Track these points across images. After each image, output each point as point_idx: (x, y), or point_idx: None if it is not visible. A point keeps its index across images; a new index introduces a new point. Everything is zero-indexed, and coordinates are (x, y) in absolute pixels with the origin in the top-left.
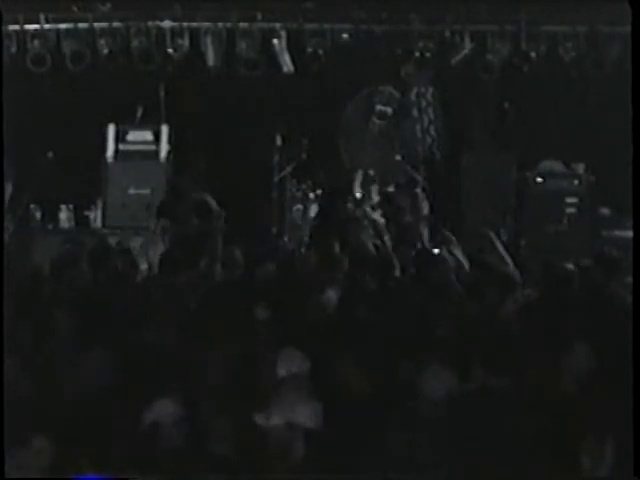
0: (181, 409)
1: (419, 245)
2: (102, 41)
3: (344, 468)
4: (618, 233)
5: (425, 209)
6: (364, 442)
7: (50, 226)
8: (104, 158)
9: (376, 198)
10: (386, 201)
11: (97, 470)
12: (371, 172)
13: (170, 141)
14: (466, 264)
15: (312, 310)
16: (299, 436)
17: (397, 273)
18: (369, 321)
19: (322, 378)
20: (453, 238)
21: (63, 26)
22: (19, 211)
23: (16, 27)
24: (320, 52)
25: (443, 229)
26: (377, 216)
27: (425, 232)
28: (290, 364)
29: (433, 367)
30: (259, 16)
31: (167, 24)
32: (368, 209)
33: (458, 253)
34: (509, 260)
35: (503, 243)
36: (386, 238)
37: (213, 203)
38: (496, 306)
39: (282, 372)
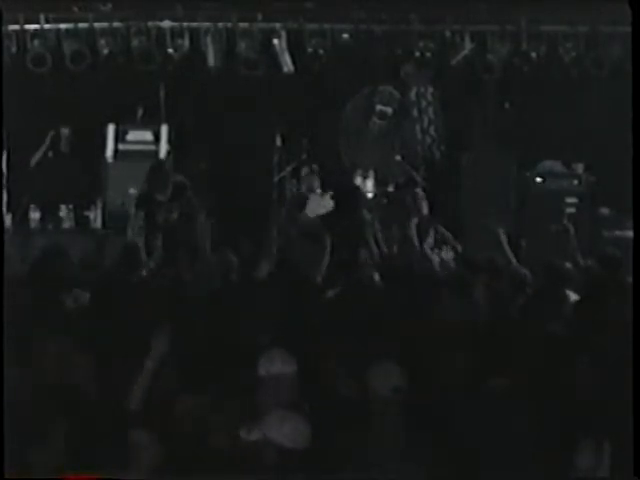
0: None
1: (418, 245)
2: (102, 41)
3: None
4: (618, 233)
5: (425, 209)
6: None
7: (50, 226)
8: (104, 158)
9: (376, 198)
10: (386, 201)
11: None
12: (371, 172)
13: (170, 141)
14: (464, 263)
15: (312, 310)
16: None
17: (396, 273)
18: (368, 321)
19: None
20: (449, 235)
21: (63, 26)
22: (19, 211)
23: (16, 27)
24: (320, 52)
25: (440, 228)
26: (376, 216)
27: (424, 232)
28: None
29: (433, 367)
30: (259, 16)
31: (167, 24)
32: (367, 208)
33: (451, 253)
34: (513, 258)
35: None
36: (386, 237)
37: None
38: (495, 306)
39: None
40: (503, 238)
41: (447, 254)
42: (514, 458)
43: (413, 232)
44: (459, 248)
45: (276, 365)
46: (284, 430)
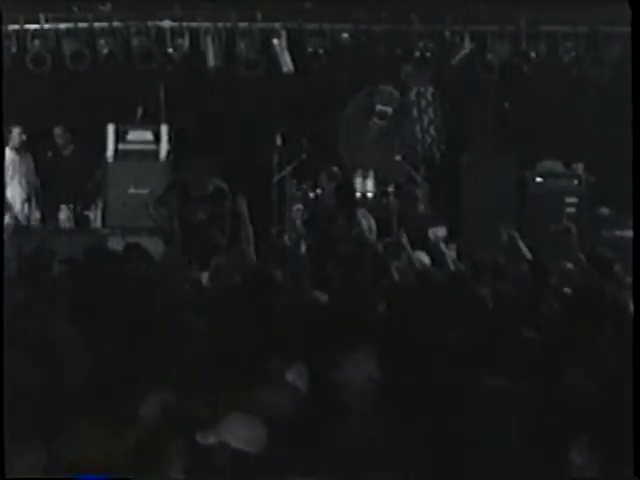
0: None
1: (417, 244)
2: (102, 41)
3: None
4: (618, 233)
5: (425, 209)
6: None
7: (50, 226)
8: (104, 158)
9: (376, 198)
10: (386, 201)
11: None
12: (371, 172)
13: (170, 141)
14: (463, 263)
15: (310, 310)
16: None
17: (396, 272)
18: (367, 321)
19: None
20: (441, 236)
21: (63, 26)
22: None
23: (16, 27)
24: (320, 52)
25: (433, 230)
26: (376, 216)
27: (424, 231)
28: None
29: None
30: (259, 16)
31: (167, 24)
32: (367, 209)
33: (452, 253)
34: (530, 256)
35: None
36: (386, 237)
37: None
38: (495, 305)
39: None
40: (518, 240)
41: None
42: (512, 458)
43: (403, 234)
44: (453, 253)
45: (302, 379)
46: (241, 434)
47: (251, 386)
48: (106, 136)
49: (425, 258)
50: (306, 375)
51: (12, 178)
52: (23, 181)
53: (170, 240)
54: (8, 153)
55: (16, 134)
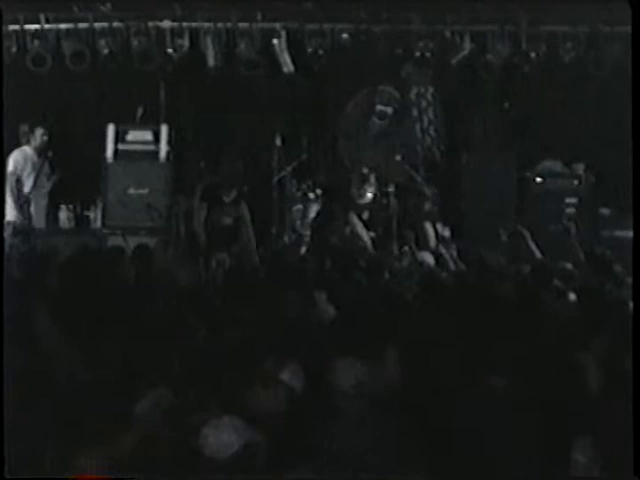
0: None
1: (419, 245)
2: (102, 41)
3: None
4: (618, 233)
5: (425, 209)
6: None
7: (50, 226)
8: (104, 158)
9: (376, 198)
10: (386, 201)
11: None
12: (371, 172)
13: (170, 141)
14: (464, 263)
15: (311, 311)
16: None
17: (397, 272)
18: (366, 322)
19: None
20: (446, 236)
21: (63, 26)
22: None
23: (16, 27)
24: (320, 52)
25: (442, 229)
26: (377, 216)
27: (425, 232)
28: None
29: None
30: (259, 16)
31: (167, 24)
32: (367, 209)
33: (453, 253)
34: (539, 254)
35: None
36: (387, 238)
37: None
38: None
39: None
40: (529, 238)
41: (450, 253)
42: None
43: (410, 234)
44: (454, 253)
45: (297, 379)
46: (219, 439)
47: (247, 385)
48: (106, 136)
49: (429, 258)
50: (301, 375)
51: (27, 178)
52: (38, 182)
53: (175, 241)
54: (29, 152)
55: (39, 135)
